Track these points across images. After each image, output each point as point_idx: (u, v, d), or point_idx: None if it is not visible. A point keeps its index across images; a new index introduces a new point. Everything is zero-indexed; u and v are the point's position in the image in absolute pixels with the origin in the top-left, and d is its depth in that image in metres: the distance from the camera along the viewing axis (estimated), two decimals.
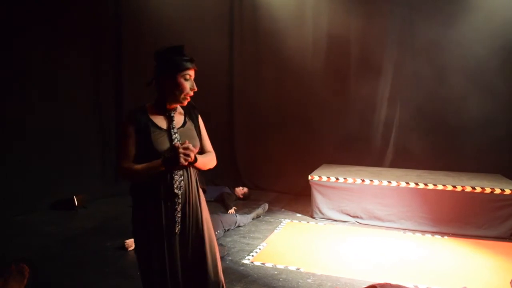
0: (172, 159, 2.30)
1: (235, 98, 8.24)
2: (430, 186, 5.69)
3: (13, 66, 6.14)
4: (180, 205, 2.44)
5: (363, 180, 5.99)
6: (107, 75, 7.74)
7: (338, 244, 5.18)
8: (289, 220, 6.17)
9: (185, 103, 2.65)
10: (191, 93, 2.63)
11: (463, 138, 6.81)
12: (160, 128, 2.49)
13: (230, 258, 4.66)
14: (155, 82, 2.64)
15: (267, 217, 6.28)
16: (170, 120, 2.58)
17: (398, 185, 5.82)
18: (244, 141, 8.25)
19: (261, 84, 8.01)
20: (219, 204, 6.86)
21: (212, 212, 6.16)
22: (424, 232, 5.63)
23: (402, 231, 5.69)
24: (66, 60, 6.91)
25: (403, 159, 7.10)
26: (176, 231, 2.42)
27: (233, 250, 4.90)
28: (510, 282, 4.03)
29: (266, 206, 6.53)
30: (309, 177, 6.27)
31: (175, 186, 2.42)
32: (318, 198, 6.21)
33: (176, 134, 2.51)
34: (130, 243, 4.80)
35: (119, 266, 4.42)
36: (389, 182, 5.87)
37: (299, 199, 7.21)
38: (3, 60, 6.00)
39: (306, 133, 7.70)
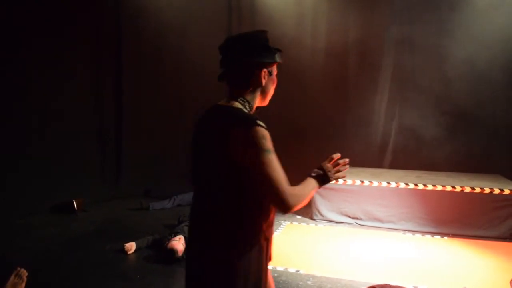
0: (326, 178, 1.97)
1: None
2: (430, 187, 5.69)
3: (13, 68, 6.14)
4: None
5: (362, 182, 5.99)
6: (107, 78, 7.75)
7: (338, 246, 5.18)
8: (288, 222, 6.17)
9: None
10: None
11: (462, 139, 6.82)
12: None
13: None
14: (246, 74, 1.96)
15: None
16: None
17: (398, 186, 5.82)
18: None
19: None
20: None
21: None
22: (424, 233, 5.63)
23: (402, 232, 5.69)
24: (66, 62, 6.91)
25: (403, 160, 7.10)
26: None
27: None
28: (510, 282, 4.02)
29: None
30: None
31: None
32: (318, 200, 6.21)
33: None
34: (130, 246, 4.80)
35: (119, 269, 4.42)
36: (389, 183, 5.87)
37: None
38: (2, 61, 6.00)
39: (305, 135, 7.70)
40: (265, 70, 1.95)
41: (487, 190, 5.51)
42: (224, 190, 1.81)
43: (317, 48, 7.58)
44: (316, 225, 6.07)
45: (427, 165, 6.88)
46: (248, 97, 1.97)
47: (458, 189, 5.60)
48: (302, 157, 7.64)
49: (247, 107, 1.96)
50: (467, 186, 5.61)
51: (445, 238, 5.47)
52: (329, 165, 1.99)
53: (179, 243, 4.55)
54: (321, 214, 6.20)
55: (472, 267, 4.57)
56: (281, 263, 4.56)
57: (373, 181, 5.95)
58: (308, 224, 6.12)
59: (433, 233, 5.60)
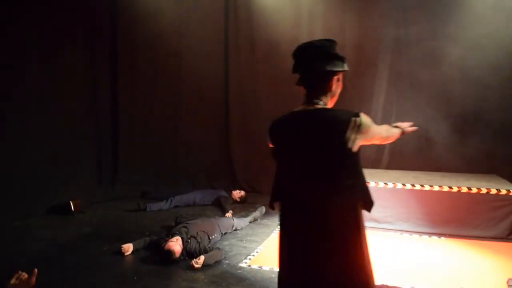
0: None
1: (230, 102, 8.24)
2: (427, 187, 5.70)
3: (9, 70, 6.12)
4: None
5: None
6: (103, 80, 7.74)
7: None
8: None
9: None
10: None
11: (459, 139, 6.83)
12: None
13: (227, 261, 4.65)
14: (325, 81, 2.33)
15: (264, 220, 6.28)
16: None
17: (395, 187, 5.83)
18: (240, 144, 8.24)
19: (257, 88, 8.02)
20: (216, 208, 6.87)
21: (209, 216, 6.19)
22: (421, 233, 5.63)
23: (399, 233, 5.69)
24: (62, 65, 6.90)
25: (400, 161, 7.11)
26: None
27: (230, 253, 4.89)
28: (507, 282, 4.04)
29: (263, 209, 6.51)
30: None
31: None
32: None
33: None
34: (127, 247, 4.79)
35: (116, 270, 4.41)
36: (386, 183, 5.87)
37: None
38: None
39: None
40: (337, 77, 2.33)
41: (484, 191, 5.52)
42: (343, 175, 2.20)
43: None
44: None
45: (424, 165, 6.89)
46: (325, 100, 2.31)
47: (455, 189, 5.60)
48: None
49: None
50: (464, 186, 5.62)
51: (442, 238, 5.48)
52: (404, 126, 2.56)
53: (176, 244, 4.54)
54: None
55: (469, 267, 4.57)
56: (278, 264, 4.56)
57: (369, 182, 5.92)
58: None
59: (430, 234, 5.60)
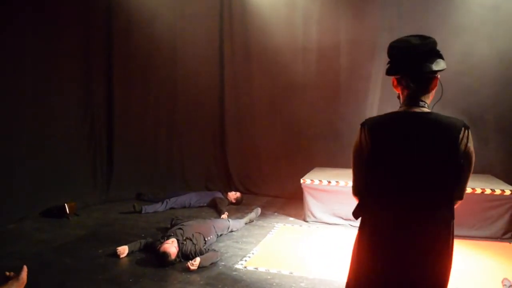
0: None
1: (225, 103, 8.25)
2: None
3: (2, 71, 6.09)
4: None
5: None
6: (97, 81, 7.70)
7: (331, 248, 5.19)
8: (282, 224, 6.17)
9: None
10: None
11: None
12: None
13: (223, 263, 4.65)
14: (431, 82, 2.22)
15: (260, 222, 6.28)
16: None
17: None
18: (236, 146, 8.25)
19: (252, 90, 8.04)
20: (212, 210, 6.86)
21: (204, 217, 6.19)
22: None
23: None
24: (56, 68, 6.87)
25: None
26: None
27: (226, 255, 4.89)
28: (502, 282, 4.05)
29: (259, 210, 6.52)
30: (301, 181, 6.28)
31: None
32: (311, 202, 6.22)
33: None
34: (122, 250, 4.79)
35: (112, 272, 4.40)
36: None
37: (291, 203, 7.22)
38: None
39: (298, 138, 7.72)
40: (438, 76, 2.19)
41: (478, 190, 5.54)
42: (447, 183, 2.08)
43: (308, 51, 7.60)
44: (309, 227, 6.08)
45: None
46: (427, 100, 2.20)
47: None
48: (295, 158, 7.69)
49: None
50: None
51: None
52: None
53: (171, 246, 4.54)
54: (314, 216, 6.21)
55: (464, 267, 4.58)
56: (274, 265, 4.57)
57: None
58: (301, 226, 6.13)
59: None
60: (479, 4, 6.62)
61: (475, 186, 5.63)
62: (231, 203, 7.17)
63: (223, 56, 8.16)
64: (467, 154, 2.05)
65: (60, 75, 6.95)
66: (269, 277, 4.29)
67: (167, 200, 6.96)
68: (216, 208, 6.77)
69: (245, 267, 4.56)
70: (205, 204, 7.11)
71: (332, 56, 7.43)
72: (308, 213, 6.26)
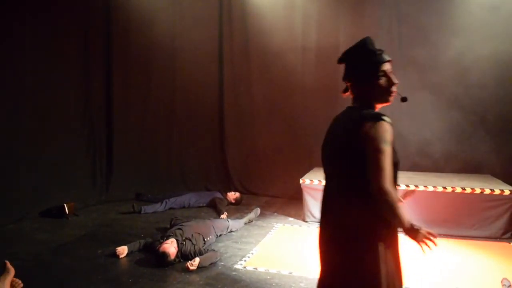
0: (415, 235, 2.07)
1: (225, 104, 8.24)
2: (421, 188, 5.72)
3: (2, 71, 6.09)
4: None
5: None
6: (97, 82, 7.71)
7: None
8: (281, 224, 6.17)
9: (392, 101, 2.30)
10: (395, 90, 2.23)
11: (452, 140, 6.86)
12: None
13: (222, 263, 4.64)
14: (357, 84, 2.28)
15: (259, 222, 6.28)
16: None
17: None
18: (235, 146, 8.24)
19: (251, 91, 8.03)
20: (211, 210, 6.86)
21: (204, 217, 6.18)
22: None
23: None
24: (55, 66, 6.87)
25: None
26: None
27: (225, 255, 4.88)
28: (501, 282, 4.05)
29: (258, 210, 6.52)
30: (301, 181, 6.28)
31: None
32: (310, 202, 6.22)
33: None
34: (122, 250, 4.78)
35: (111, 273, 4.39)
36: None
37: (291, 203, 7.21)
38: None
39: (297, 137, 7.71)
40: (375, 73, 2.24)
41: (478, 191, 5.55)
42: (349, 176, 2.13)
43: (307, 51, 7.60)
44: (308, 227, 6.08)
45: (418, 166, 6.91)
46: (362, 96, 2.30)
47: (449, 189, 5.63)
48: (294, 158, 7.68)
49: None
50: (458, 186, 5.64)
51: (437, 238, 5.48)
52: (425, 233, 2.08)
53: (171, 246, 4.53)
54: (313, 216, 6.20)
55: (464, 267, 4.59)
56: (274, 266, 4.56)
57: None
58: (300, 226, 6.13)
59: None
60: (479, 4, 6.62)
61: (475, 186, 5.64)
62: (230, 203, 7.17)
63: (223, 56, 8.15)
64: (367, 143, 2.02)
65: (59, 75, 6.96)
66: (268, 277, 4.28)
67: (167, 200, 6.96)
68: (215, 208, 6.77)
69: (245, 267, 4.55)
70: (204, 204, 7.11)
71: (331, 57, 7.41)
72: (308, 213, 6.25)
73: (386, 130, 2.03)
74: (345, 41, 7.35)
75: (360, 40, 2.29)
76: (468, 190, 5.57)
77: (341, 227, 2.16)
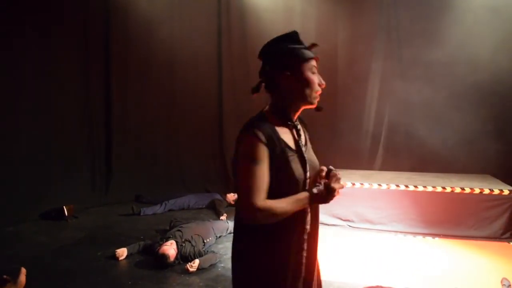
0: (324, 197, 1.88)
1: (224, 105, 8.25)
2: (420, 188, 5.72)
3: (1, 71, 6.08)
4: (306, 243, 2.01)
5: (353, 184, 6.00)
6: (96, 85, 7.70)
7: (330, 248, 5.17)
8: None
9: (316, 103, 2.06)
10: (320, 90, 2.02)
11: (451, 140, 6.87)
12: (290, 148, 1.92)
13: (222, 265, 4.64)
14: (268, 84, 2.05)
15: None
16: (297, 134, 2.02)
17: (389, 188, 5.85)
18: (234, 147, 8.22)
19: (250, 92, 8.02)
20: (211, 211, 6.85)
21: (203, 219, 6.18)
22: (415, 234, 5.65)
23: (393, 234, 5.70)
24: (55, 67, 6.88)
25: (393, 162, 7.14)
26: (303, 274, 2.02)
27: (225, 256, 4.87)
28: (501, 281, 4.05)
29: None
30: None
31: (307, 220, 1.96)
32: None
33: (306, 157, 1.97)
34: (121, 252, 4.78)
35: (110, 275, 4.39)
36: (380, 185, 5.89)
37: None
38: None
39: None
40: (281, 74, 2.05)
41: (477, 191, 5.55)
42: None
43: None
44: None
45: (417, 166, 6.92)
46: (274, 101, 2.10)
47: (448, 189, 5.63)
48: None
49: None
50: (457, 186, 5.65)
51: (436, 238, 5.50)
52: (324, 191, 1.88)
53: (170, 248, 4.53)
54: None
55: (463, 267, 4.59)
56: None
57: (364, 183, 5.97)
58: None
59: (424, 234, 5.61)
60: (478, 4, 6.64)
61: (474, 186, 5.64)
62: (229, 204, 7.16)
63: (221, 57, 8.16)
64: (237, 158, 1.89)
65: (59, 77, 6.97)
66: None
67: (166, 202, 6.95)
68: (215, 210, 6.76)
69: None
70: (203, 206, 7.10)
71: (330, 57, 7.44)
72: None
73: (252, 145, 1.82)
74: (344, 43, 7.38)
75: (284, 34, 2.07)
76: (468, 190, 5.57)
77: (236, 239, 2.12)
